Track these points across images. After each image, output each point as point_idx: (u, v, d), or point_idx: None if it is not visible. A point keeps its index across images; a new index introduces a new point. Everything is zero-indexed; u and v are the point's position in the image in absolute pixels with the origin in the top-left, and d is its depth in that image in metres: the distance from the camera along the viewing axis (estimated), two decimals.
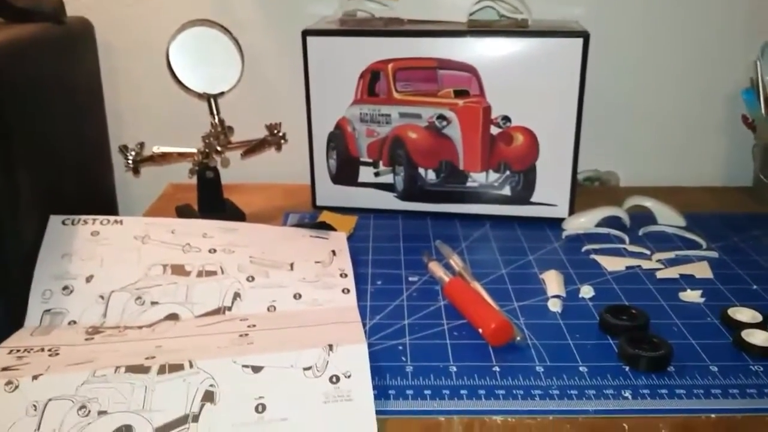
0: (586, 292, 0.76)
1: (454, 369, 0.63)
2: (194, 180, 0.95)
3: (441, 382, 0.61)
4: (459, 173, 0.93)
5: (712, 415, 0.57)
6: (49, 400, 0.56)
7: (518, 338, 0.67)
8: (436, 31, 0.88)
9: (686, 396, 0.59)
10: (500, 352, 0.66)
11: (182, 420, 0.55)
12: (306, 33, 0.91)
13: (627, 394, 0.60)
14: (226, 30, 0.90)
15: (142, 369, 0.58)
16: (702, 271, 0.80)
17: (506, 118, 0.90)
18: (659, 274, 0.80)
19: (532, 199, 0.93)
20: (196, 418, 0.55)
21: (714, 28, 1.04)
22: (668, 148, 1.10)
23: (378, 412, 0.57)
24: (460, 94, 0.90)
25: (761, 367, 0.63)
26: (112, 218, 0.80)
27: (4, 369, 0.60)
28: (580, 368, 0.63)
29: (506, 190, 0.93)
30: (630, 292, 0.76)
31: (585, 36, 0.85)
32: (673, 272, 0.80)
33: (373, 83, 0.91)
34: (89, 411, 0.56)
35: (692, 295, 0.75)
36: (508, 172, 0.92)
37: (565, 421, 0.57)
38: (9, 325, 0.70)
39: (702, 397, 0.59)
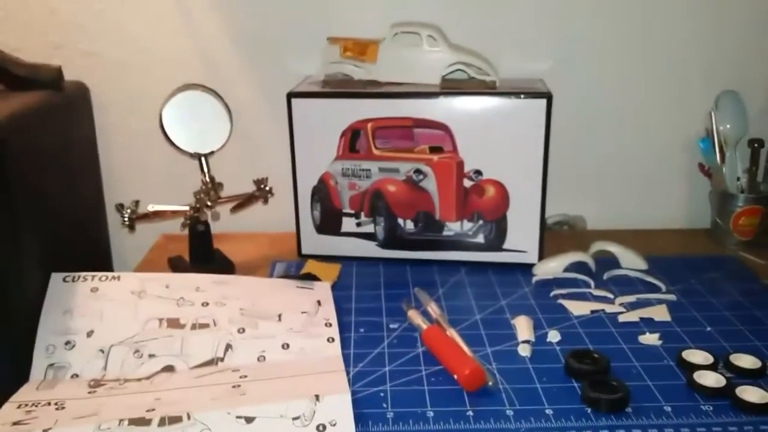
0: (553, 336, 0.82)
1: (431, 414, 0.69)
2: (186, 232, 1.00)
3: (419, 427, 0.67)
4: (435, 223, 1.00)
5: None
6: None
7: (490, 383, 0.73)
8: (411, 93, 0.95)
9: None
10: (474, 397, 0.71)
11: None
12: (291, 95, 0.97)
13: None
14: (215, 93, 0.96)
15: (143, 422, 0.63)
16: (660, 314, 0.87)
17: (478, 172, 0.96)
18: (621, 318, 0.86)
19: (504, 246, 0.99)
20: None
21: (673, 80, 1.11)
22: (632, 192, 1.17)
23: None
24: (434, 150, 0.96)
25: (711, 406, 0.69)
26: (110, 274, 0.85)
27: (15, 423, 0.65)
28: (546, 411, 0.69)
29: (480, 238, 1.00)
30: (594, 335, 0.82)
31: (548, 97, 0.92)
32: (633, 316, 0.86)
33: (353, 141, 0.98)
34: None
35: (651, 338, 0.81)
36: (481, 222, 0.99)
37: None
38: (16, 379, 0.74)
39: None
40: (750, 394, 0.70)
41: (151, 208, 0.93)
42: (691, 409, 0.69)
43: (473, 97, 0.94)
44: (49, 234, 0.86)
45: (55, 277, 0.83)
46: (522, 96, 0.93)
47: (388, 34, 1.01)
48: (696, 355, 0.77)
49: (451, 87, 0.97)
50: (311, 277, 0.94)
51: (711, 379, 0.72)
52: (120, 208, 0.93)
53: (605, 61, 1.11)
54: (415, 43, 0.99)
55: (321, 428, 0.63)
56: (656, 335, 0.81)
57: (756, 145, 1.06)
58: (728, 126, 1.07)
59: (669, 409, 0.69)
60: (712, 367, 0.74)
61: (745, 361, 0.75)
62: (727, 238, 1.08)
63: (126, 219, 0.92)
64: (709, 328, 0.84)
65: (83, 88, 1.04)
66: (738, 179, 1.08)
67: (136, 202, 0.93)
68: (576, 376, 0.74)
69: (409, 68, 0.99)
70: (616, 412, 0.68)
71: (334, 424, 0.64)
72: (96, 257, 1.07)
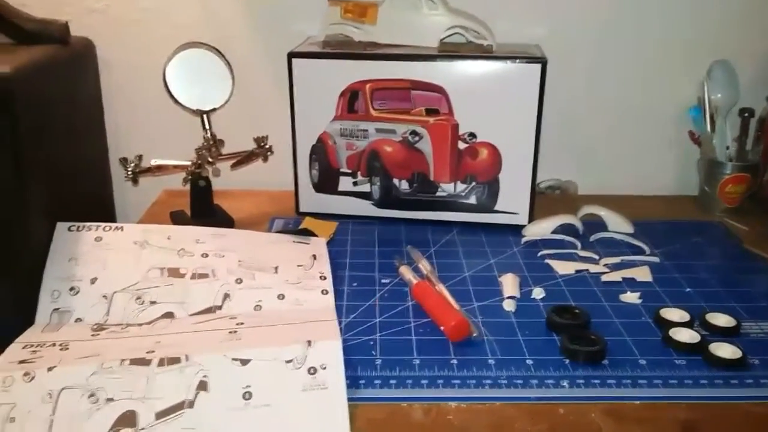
0: (538, 293, 0.85)
1: (417, 362, 0.72)
2: (187, 187, 1.03)
3: (405, 373, 0.70)
4: (430, 184, 1.03)
5: (637, 402, 0.67)
6: (63, 388, 0.64)
7: (475, 334, 0.76)
8: (409, 55, 0.97)
9: (615, 385, 0.69)
10: (458, 347, 0.75)
11: (179, 406, 0.64)
12: (291, 55, 0.99)
13: (565, 383, 0.69)
14: (218, 51, 0.98)
15: (144, 362, 0.67)
16: (643, 274, 0.90)
17: (472, 135, 0.99)
18: (604, 278, 0.89)
19: (496, 208, 1.02)
20: (191, 405, 0.64)
21: (667, 49, 1.13)
22: (623, 159, 1.20)
23: (349, 399, 0.65)
24: (430, 112, 0.99)
25: (684, 360, 0.73)
26: (113, 225, 0.88)
27: (22, 362, 0.68)
28: (527, 361, 0.72)
29: (472, 200, 1.03)
30: (577, 293, 0.86)
31: (543, 62, 0.94)
32: (616, 276, 0.89)
33: (352, 101, 1.00)
34: (98, 398, 0.64)
35: (631, 297, 0.84)
36: (474, 183, 1.01)
37: (510, 406, 0.66)
38: (21, 322, 0.78)
39: (629, 386, 0.69)
40: (722, 350, 0.73)
41: (154, 162, 0.96)
42: (665, 363, 0.72)
43: (470, 60, 0.96)
44: (54, 186, 0.89)
45: (60, 227, 0.86)
46: (517, 61, 0.95)
47: None
48: (673, 313, 0.80)
49: (449, 50, 0.99)
50: (307, 233, 0.97)
51: (686, 336, 0.75)
52: (124, 161, 0.95)
53: (600, 29, 1.12)
54: (414, 6, 1.01)
55: (312, 371, 0.67)
56: (637, 294, 0.85)
57: (746, 114, 1.08)
58: (719, 95, 1.09)
59: (644, 362, 0.72)
60: (688, 325, 0.78)
61: (720, 319, 0.79)
62: (714, 205, 1.10)
63: (129, 172, 0.95)
64: (688, 289, 0.87)
65: (89, 44, 1.06)
66: (727, 147, 1.10)
67: (140, 157, 0.96)
68: (556, 330, 0.77)
69: (408, 31, 1.01)
70: (593, 364, 0.72)
71: (325, 368, 0.67)
72: (100, 211, 1.10)
